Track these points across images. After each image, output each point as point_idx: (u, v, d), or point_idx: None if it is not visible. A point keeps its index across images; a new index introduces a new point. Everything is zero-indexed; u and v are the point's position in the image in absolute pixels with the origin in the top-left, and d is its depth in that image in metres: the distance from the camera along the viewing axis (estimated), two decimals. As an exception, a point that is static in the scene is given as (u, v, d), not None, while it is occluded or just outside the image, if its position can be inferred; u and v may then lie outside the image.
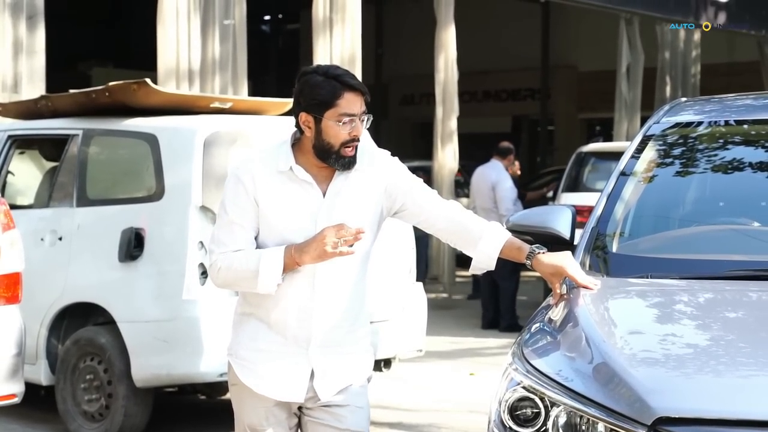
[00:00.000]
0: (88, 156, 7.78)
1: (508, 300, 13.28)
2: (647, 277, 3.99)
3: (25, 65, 10.62)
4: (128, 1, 28.51)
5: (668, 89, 19.32)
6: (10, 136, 8.38)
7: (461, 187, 18.55)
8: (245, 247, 4.05)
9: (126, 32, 28.81)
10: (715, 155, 4.76)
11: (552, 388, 3.41)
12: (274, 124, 7.97)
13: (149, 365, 7.17)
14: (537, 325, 3.91)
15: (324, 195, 4.06)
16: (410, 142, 27.10)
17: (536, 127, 27.29)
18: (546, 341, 3.72)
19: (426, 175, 15.69)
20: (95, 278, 7.43)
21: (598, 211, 4.40)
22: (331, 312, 4.11)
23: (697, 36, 19.74)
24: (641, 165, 4.61)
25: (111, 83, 7.77)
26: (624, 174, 4.56)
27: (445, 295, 15.37)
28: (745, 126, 4.89)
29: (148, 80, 7.68)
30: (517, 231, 4.54)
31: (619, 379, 3.27)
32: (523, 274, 13.66)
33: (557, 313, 3.89)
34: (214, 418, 8.46)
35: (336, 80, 3.97)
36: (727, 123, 4.93)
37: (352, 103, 3.96)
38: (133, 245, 7.21)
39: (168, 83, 11.28)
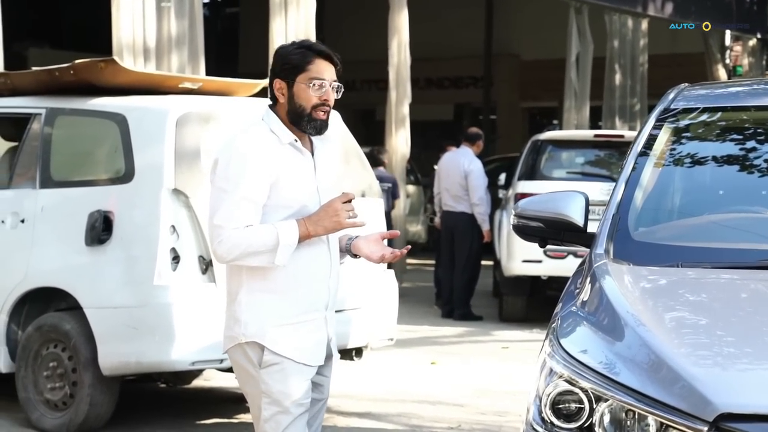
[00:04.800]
0: (52, 136, 7.51)
1: (464, 290, 13.20)
2: (677, 266, 3.84)
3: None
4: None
5: (618, 78, 19.32)
6: (-34, 115, 8.08)
7: (407, 174, 18.43)
8: (253, 222, 4.19)
9: (61, 13, 28.25)
10: (733, 140, 4.65)
11: (598, 381, 3.24)
12: (244, 105, 7.77)
13: (117, 353, 6.93)
14: (569, 312, 3.74)
15: (314, 165, 4.34)
16: (351, 128, 26.81)
17: (478, 115, 27.19)
18: (583, 330, 3.55)
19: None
20: (60, 262, 7.17)
21: (617, 197, 4.24)
22: (337, 276, 4.40)
23: (644, 26, 19.78)
24: (657, 150, 4.48)
25: (77, 61, 7.50)
26: (641, 160, 4.42)
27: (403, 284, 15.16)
28: (759, 111, 4.78)
29: (116, 58, 7.45)
30: (527, 218, 4.41)
31: (675, 374, 3.11)
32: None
33: (589, 301, 3.72)
34: (178, 406, 8.25)
35: (308, 48, 4.27)
36: (740, 108, 4.81)
37: (322, 68, 4.22)
38: (101, 229, 6.97)
39: (126, 62, 10.98)
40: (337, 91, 4.29)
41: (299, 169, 4.28)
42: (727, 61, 21.80)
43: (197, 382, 8.72)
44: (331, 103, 4.27)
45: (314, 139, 4.35)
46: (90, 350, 6.97)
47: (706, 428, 2.98)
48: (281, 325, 4.24)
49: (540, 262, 12.17)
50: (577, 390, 3.28)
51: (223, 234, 4.16)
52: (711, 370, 3.10)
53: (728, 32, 21.68)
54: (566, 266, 11.94)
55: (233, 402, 8.22)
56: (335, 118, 8.02)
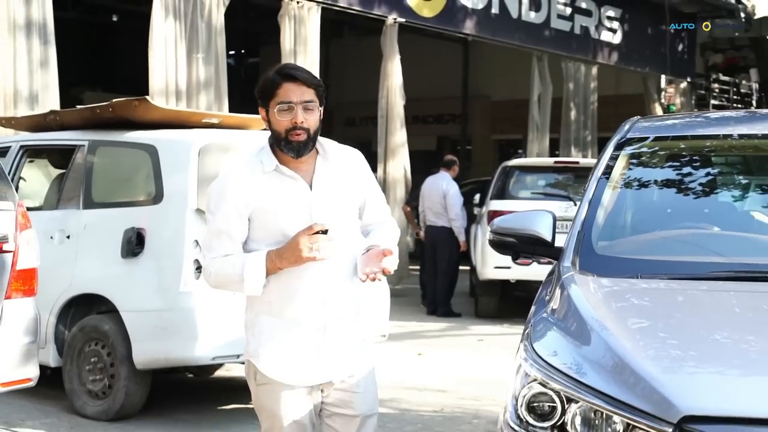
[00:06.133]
0: (93, 164, 7.20)
1: (446, 290, 12.93)
2: (637, 277, 3.51)
3: (40, 80, 10.05)
4: (113, 34, 27.77)
5: (572, 114, 19.06)
6: (22, 146, 7.78)
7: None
8: (233, 252, 3.56)
9: (111, 62, 27.96)
10: (679, 165, 4.34)
11: (567, 383, 2.90)
12: (258, 136, 7.44)
13: (149, 350, 6.61)
14: (541, 318, 3.40)
15: (311, 187, 3.58)
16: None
17: (457, 146, 26.82)
18: (553, 335, 3.20)
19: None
20: (100, 272, 6.85)
21: (581, 216, 3.92)
22: (340, 296, 3.60)
23: (594, 71, 19.53)
24: (615, 174, 4.16)
25: (114, 100, 7.19)
26: (601, 183, 4.10)
27: (396, 286, 14.78)
28: (700, 139, 4.48)
29: (147, 97, 7.13)
30: (502, 234, 4.09)
31: (636, 376, 2.78)
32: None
33: (558, 308, 3.39)
34: (203, 394, 7.92)
35: (278, 73, 3.53)
36: (684, 137, 4.51)
37: (290, 91, 3.48)
38: (134, 243, 6.67)
39: (159, 101, 10.71)
40: (316, 112, 3.51)
41: (286, 198, 3.54)
42: (662, 100, 21.54)
43: (219, 373, 8.39)
44: (305, 123, 3.48)
45: (320, 162, 3.59)
46: (126, 348, 6.67)
47: (670, 429, 2.65)
48: (274, 347, 3.60)
49: (509, 268, 11.90)
50: (549, 391, 2.95)
51: (204, 262, 3.64)
52: (671, 373, 2.77)
53: (663, 77, 21.43)
54: (532, 271, 11.63)
55: (249, 390, 7.87)
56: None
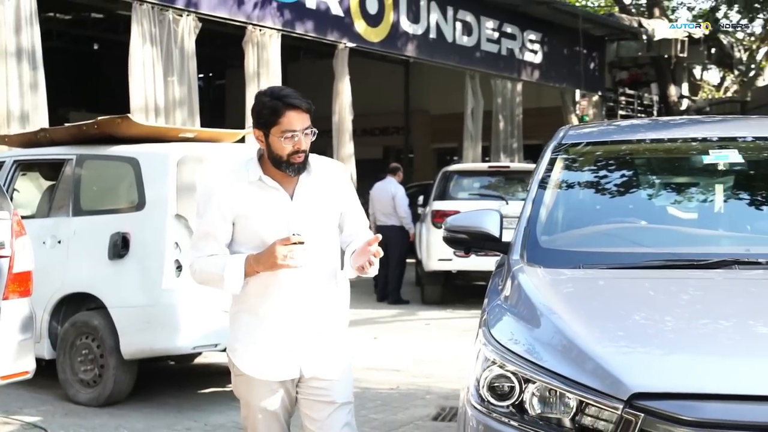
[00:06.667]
0: (81, 176, 6.95)
1: (396, 280, 12.83)
2: (579, 267, 3.40)
3: (31, 102, 9.74)
4: (95, 60, 27.27)
5: (501, 125, 19.04)
6: (15, 161, 7.50)
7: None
8: (218, 252, 3.39)
9: (93, 85, 27.44)
10: (609, 166, 4.24)
11: (522, 365, 2.78)
12: (229, 148, 7.26)
13: (135, 342, 6.40)
14: (496, 305, 3.27)
15: (292, 198, 3.39)
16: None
17: (400, 154, 26.66)
18: (508, 320, 3.08)
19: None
20: (89, 273, 6.61)
21: (526, 214, 3.80)
22: (314, 298, 3.42)
23: (519, 87, 19.53)
24: (554, 176, 4.05)
25: (99, 118, 6.95)
26: (542, 185, 3.99)
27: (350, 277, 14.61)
28: (626, 144, 4.39)
29: (129, 115, 6.90)
30: (454, 231, 3.96)
31: (584, 355, 2.66)
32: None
33: (510, 296, 3.27)
34: (184, 379, 7.70)
35: (279, 100, 3.30)
36: (612, 142, 4.41)
37: (293, 120, 3.29)
38: (120, 246, 6.44)
39: (139, 119, 10.45)
40: (311, 135, 3.36)
41: (266, 206, 3.35)
42: (577, 112, 21.62)
43: (199, 360, 8.18)
44: (305, 148, 3.34)
45: (303, 175, 3.39)
46: (114, 340, 6.45)
47: (621, 406, 2.54)
48: (249, 343, 3.42)
49: (450, 260, 11.86)
50: (507, 373, 2.82)
51: (191, 260, 3.45)
52: (618, 352, 2.66)
53: (577, 91, 21.51)
54: (470, 263, 11.62)
55: (226, 374, 7.66)
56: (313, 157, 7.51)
